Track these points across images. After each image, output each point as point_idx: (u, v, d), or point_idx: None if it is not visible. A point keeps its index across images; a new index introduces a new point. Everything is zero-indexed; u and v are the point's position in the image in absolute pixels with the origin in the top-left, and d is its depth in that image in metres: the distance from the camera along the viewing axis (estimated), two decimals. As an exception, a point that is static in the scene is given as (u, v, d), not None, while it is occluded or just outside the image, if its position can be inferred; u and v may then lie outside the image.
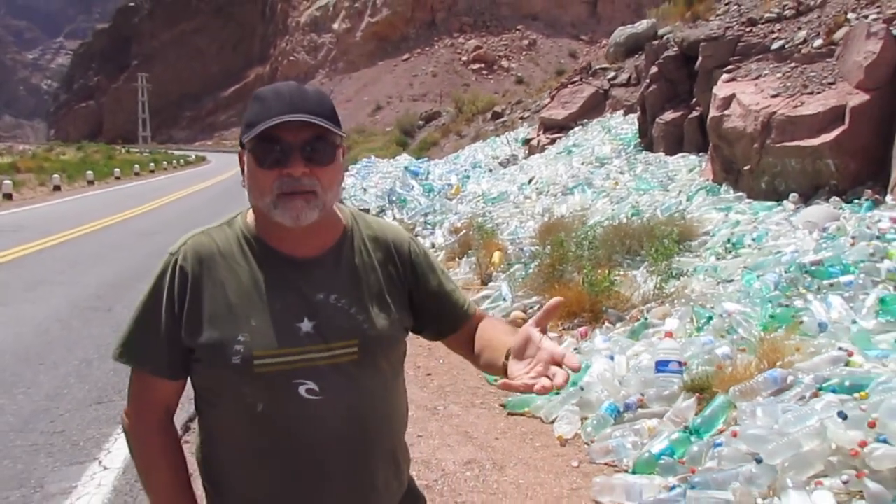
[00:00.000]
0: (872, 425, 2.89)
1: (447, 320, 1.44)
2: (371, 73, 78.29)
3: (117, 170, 29.32)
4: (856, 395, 3.25)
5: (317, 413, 1.23)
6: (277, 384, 1.22)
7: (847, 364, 3.64)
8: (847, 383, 3.37)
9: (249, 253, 1.28)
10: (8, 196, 17.62)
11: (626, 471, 3.52)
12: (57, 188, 21.30)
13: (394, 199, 12.73)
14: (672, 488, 3.23)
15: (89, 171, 25.85)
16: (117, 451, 3.59)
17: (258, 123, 1.19)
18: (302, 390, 1.22)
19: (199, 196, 20.74)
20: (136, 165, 33.29)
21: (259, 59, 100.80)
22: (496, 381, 1.27)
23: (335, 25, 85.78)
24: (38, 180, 21.96)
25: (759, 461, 3.03)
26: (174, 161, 42.18)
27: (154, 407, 1.32)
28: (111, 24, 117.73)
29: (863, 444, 2.82)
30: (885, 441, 2.80)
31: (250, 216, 1.33)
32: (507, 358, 1.19)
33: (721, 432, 3.52)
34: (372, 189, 14.02)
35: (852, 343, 3.97)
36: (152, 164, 36.53)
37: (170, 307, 1.26)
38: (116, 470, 3.39)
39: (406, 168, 15.21)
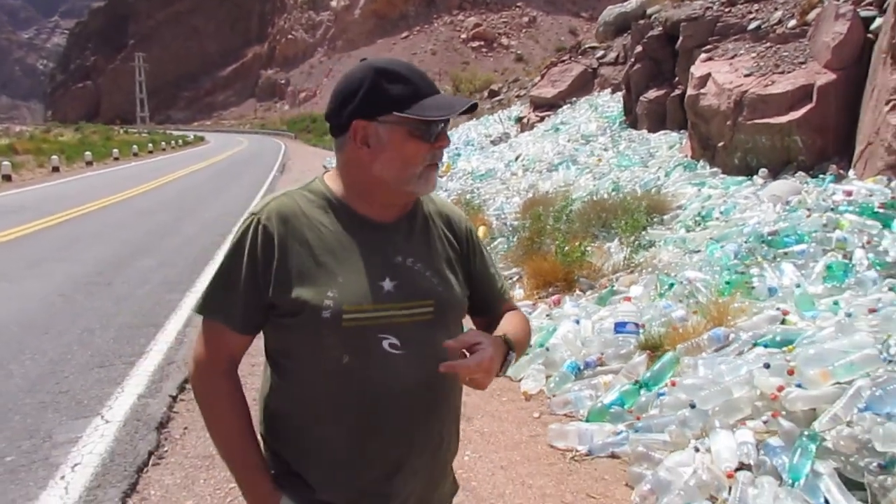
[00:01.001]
0: (791, 373, 3.23)
1: (483, 301, 1.53)
2: (370, 51, 77.85)
3: (116, 150, 29.53)
4: (784, 348, 3.59)
5: (398, 367, 1.30)
6: (364, 337, 1.29)
7: (783, 322, 3.98)
8: (778, 339, 3.72)
9: (334, 215, 1.35)
10: (7, 177, 17.85)
11: (581, 419, 3.88)
12: (56, 169, 21.54)
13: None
14: (619, 433, 3.60)
15: (88, 153, 26.04)
16: (118, 407, 3.95)
17: (415, 100, 1.29)
18: (385, 344, 1.30)
19: (198, 175, 21.00)
20: (135, 146, 33.47)
21: (257, 38, 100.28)
22: None
23: (333, 3, 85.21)
24: (37, 162, 22.21)
25: (693, 407, 3.39)
26: (172, 142, 42.33)
27: (223, 357, 1.38)
28: (107, 3, 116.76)
29: (780, 389, 3.17)
30: (799, 386, 3.15)
31: (332, 182, 1.40)
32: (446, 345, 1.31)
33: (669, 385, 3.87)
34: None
35: (795, 305, 4.30)
36: (151, 145, 36.71)
37: (251, 265, 1.31)
38: (118, 423, 3.74)
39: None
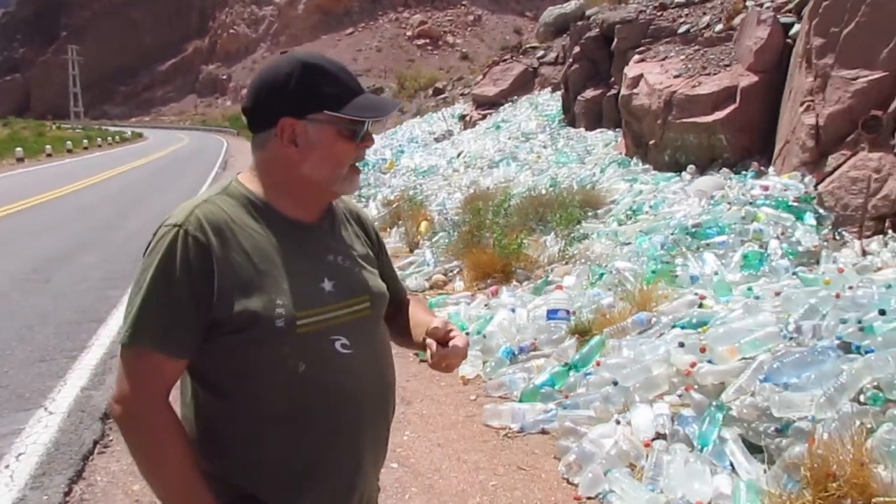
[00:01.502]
0: (703, 350, 3.53)
1: (392, 293, 1.52)
2: (314, 47, 77.09)
3: (48, 147, 28.53)
4: (699, 329, 3.90)
5: (352, 366, 1.30)
6: (318, 342, 1.27)
7: (700, 306, 4.30)
8: (695, 321, 4.02)
9: (262, 219, 1.30)
10: (-68, 174, 17.16)
11: (515, 400, 4.10)
12: (-16, 165, 20.79)
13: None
14: (549, 411, 3.84)
15: (18, 148, 25.13)
16: (62, 399, 3.99)
17: (346, 99, 1.27)
18: (338, 346, 1.29)
19: (138, 172, 20.53)
20: (69, 142, 32.38)
21: (197, 32, 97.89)
22: (423, 358, 1.51)
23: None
24: (-36, 158, 21.38)
25: (615, 384, 3.65)
26: (109, 138, 41.09)
27: (159, 389, 1.25)
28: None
29: (693, 365, 3.46)
30: (710, 362, 3.44)
31: (249, 183, 1.33)
32: (426, 334, 1.41)
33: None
34: (308, 164, 14.34)
35: (713, 291, 4.63)
36: (86, 141, 35.56)
37: (187, 282, 1.20)
38: (61, 414, 3.79)
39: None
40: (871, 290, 3.53)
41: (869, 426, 2.71)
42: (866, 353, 2.93)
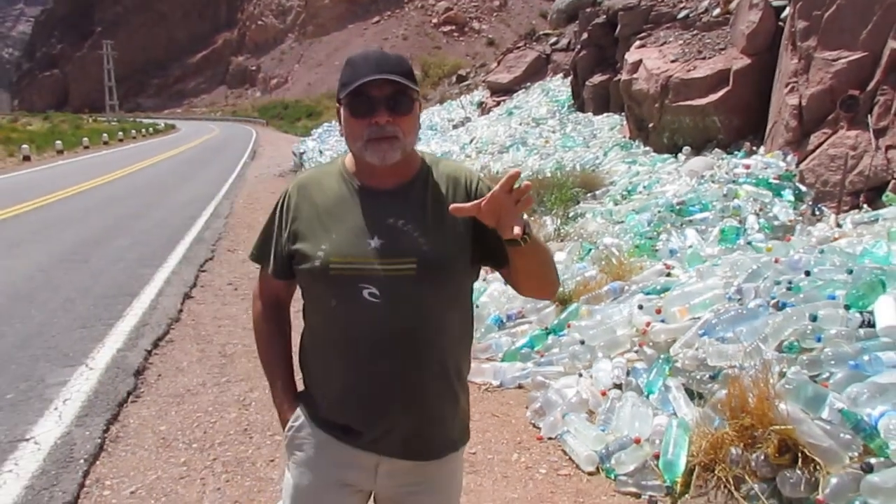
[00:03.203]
0: (659, 312, 3.95)
1: (503, 252, 1.51)
2: (341, 36, 77.79)
3: (86, 139, 29.60)
4: (662, 294, 4.31)
5: (376, 314, 1.47)
6: (346, 285, 1.48)
7: (668, 275, 4.71)
8: (660, 288, 4.43)
9: (342, 183, 1.57)
10: (-22, 167, 18.10)
11: (499, 361, 4.57)
12: (27, 158, 21.74)
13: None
14: (525, 369, 4.30)
15: (58, 142, 26.16)
16: (100, 358, 4.56)
17: (351, 83, 1.45)
18: (365, 293, 1.47)
19: (170, 162, 21.34)
20: (105, 135, 33.48)
21: (226, 24, 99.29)
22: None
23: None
24: (7, 151, 22.39)
25: (582, 343, 4.10)
26: (143, 130, 42.28)
27: (266, 296, 1.71)
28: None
29: (648, 324, 3.88)
30: (662, 321, 3.87)
31: (349, 158, 1.60)
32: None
33: (570, 329, 4.57)
34: (328, 152, 14.93)
35: (687, 263, 5.03)
36: (121, 134, 36.69)
37: (279, 223, 1.60)
38: (100, 370, 4.36)
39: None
40: (809, 256, 3.91)
41: (785, 371, 3.11)
42: (789, 307, 3.33)
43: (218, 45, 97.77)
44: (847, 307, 3.21)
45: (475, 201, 1.37)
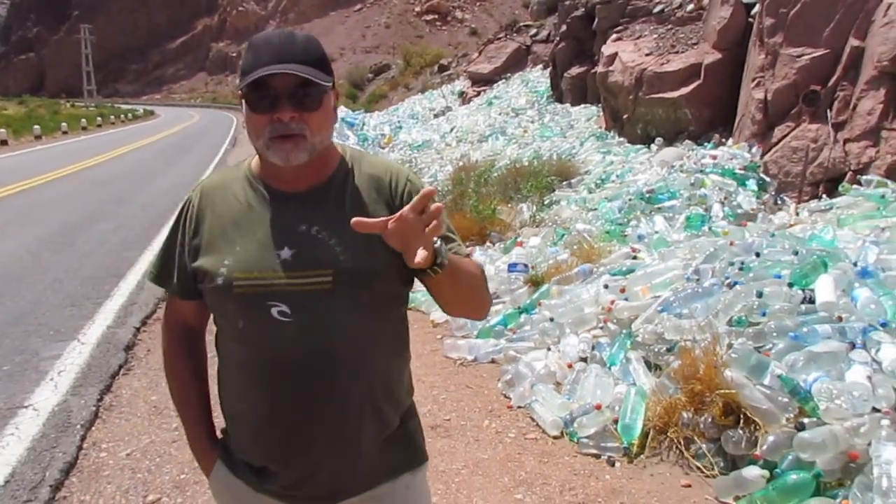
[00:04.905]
0: (623, 291, 4.22)
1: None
2: (323, 23, 77.26)
3: (64, 124, 29.34)
4: (628, 275, 4.58)
5: (286, 334, 1.28)
6: (254, 304, 1.29)
7: (634, 258, 4.98)
8: (625, 269, 4.71)
9: (248, 188, 1.36)
10: (-45, 151, 17.94)
11: (473, 337, 4.82)
12: (3, 143, 21.57)
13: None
14: (498, 345, 4.55)
15: (36, 126, 25.94)
16: (91, 334, 4.76)
17: (250, 72, 1.23)
18: (274, 311, 1.28)
19: (150, 148, 21.29)
20: (84, 120, 33.17)
21: (206, 10, 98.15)
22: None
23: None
24: (-18, 135, 22.21)
25: (552, 320, 4.36)
26: (122, 115, 41.92)
27: (174, 323, 1.50)
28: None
29: (612, 303, 4.15)
30: (626, 299, 4.14)
31: (255, 160, 1.40)
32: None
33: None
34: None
35: (653, 247, 5.30)
36: (100, 119, 36.40)
37: (182, 236, 1.40)
38: (91, 345, 4.55)
39: (342, 119, 16.24)
40: (761, 239, 4.20)
41: (733, 343, 3.40)
42: (739, 286, 3.61)
43: (198, 30, 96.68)
44: (790, 285, 3.50)
45: (381, 219, 1.18)
